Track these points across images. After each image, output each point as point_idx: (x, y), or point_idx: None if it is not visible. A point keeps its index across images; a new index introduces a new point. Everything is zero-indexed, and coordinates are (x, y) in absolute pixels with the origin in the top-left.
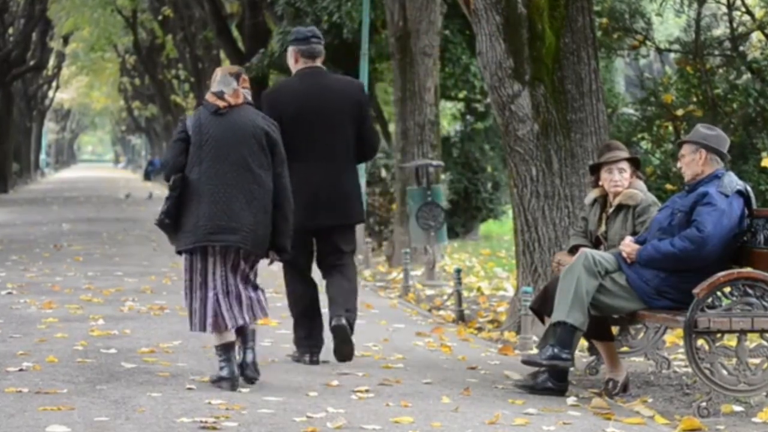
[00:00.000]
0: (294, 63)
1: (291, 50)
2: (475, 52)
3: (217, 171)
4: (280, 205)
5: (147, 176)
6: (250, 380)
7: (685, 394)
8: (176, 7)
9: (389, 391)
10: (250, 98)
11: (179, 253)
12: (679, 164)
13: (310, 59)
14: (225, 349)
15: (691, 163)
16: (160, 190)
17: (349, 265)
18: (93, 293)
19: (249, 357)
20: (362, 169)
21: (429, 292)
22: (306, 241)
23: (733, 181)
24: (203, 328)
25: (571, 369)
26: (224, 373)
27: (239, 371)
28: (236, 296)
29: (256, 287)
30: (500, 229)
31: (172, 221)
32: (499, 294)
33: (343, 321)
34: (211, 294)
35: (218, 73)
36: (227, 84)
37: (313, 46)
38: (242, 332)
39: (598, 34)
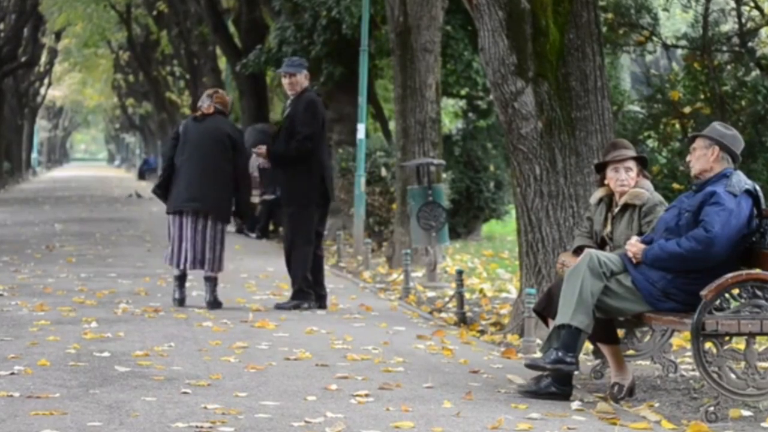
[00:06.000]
0: (308, 82)
1: (306, 73)
2: (478, 48)
3: (192, 160)
4: (239, 186)
5: (141, 175)
6: (214, 307)
7: (692, 398)
8: (171, 2)
9: (389, 395)
10: (221, 108)
11: (168, 213)
12: (688, 158)
13: (309, 81)
14: (178, 279)
15: (701, 158)
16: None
17: (323, 238)
18: (86, 295)
19: (213, 295)
20: (361, 167)
21: (430, 293)
22: (318, 212)
23: (741, 181)
24: (176, 265)
25: (576, 373)
26: (176, 294)
27: (208, 306)
28: (201, 250)
29: (217, 248)
30: (503, 229)
31: (162, 191)
32: (502, 296)
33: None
34: (184, 245)
35: (203, 93)
36: (204, 101)
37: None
38: (207, 280)
39: (604, 29)
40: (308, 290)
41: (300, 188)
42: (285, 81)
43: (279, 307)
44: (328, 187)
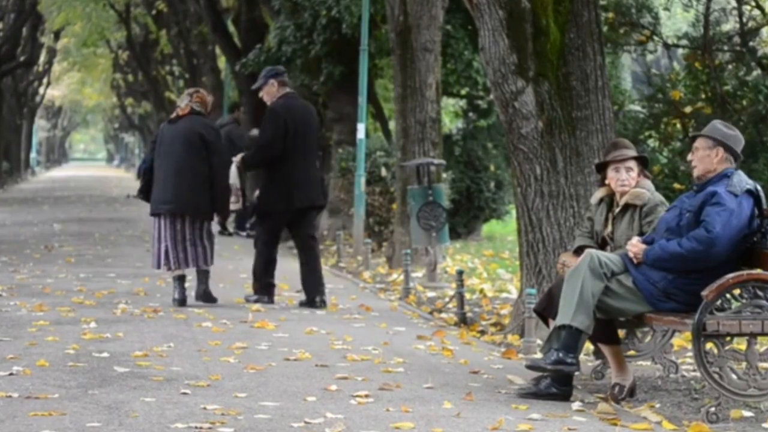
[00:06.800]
0: (276, 91)
1: (273, 81)
2: (478, 48)
3: (165, 162)
4: (215, 185)
5: (140, 175)
6: (208, 301)
7: (693, 399)
8: (170, 1)
9: (389, 395)
10: (198, 109)
11: (150, 215)
12: (690, 157)
13: (286, 87)
14: (177, 279)
15: (704, 159)
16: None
17: (317, 239)
18: (85, 295)
19: (202, 288)
20: (361, 167)
21: (430, 294)
22: (285, 220)
23: (742, 180)
24: (157, 267)
25: (576, 373)
26: (176, 294)
27: (195, 297)
28: (182, 249)
29: (198, 244)
30: (503, 229)
31: (144, 195)
32: (503, 296)
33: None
34: (162, 245)
35: (183, 93)
36: (183, 100)
37: (286, 78)
38: (198, 272)
39: (604, 29)
40: (268, 286)
41: (262, 195)
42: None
43: (246, 299)
44: (295, 195)
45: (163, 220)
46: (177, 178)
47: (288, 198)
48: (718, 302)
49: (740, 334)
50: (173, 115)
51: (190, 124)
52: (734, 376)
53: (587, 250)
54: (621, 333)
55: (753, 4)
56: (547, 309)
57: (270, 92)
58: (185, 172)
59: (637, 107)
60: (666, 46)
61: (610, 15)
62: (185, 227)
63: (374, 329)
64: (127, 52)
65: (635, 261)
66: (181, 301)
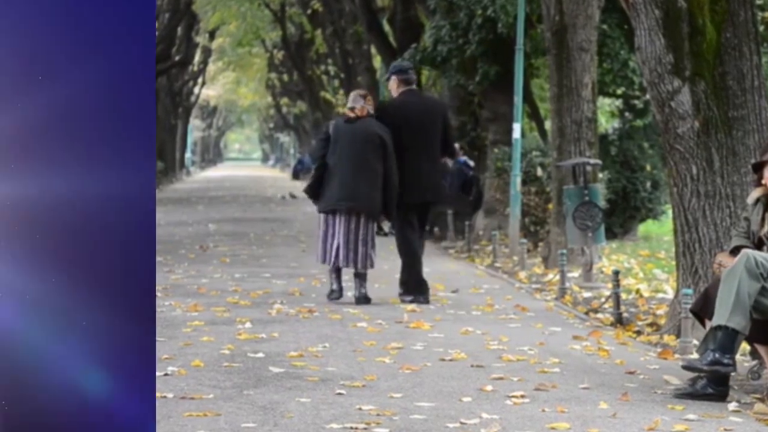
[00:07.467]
0: (396, 87)
1: (394, 78)
2: (634, 47)
3: (344, 160)
4: (387, 186)
5: (296, 175)
6: (363, 302)
7: None
8: (326, 0)
9: (545, 396)
10: (372, 112)
11: (320, 212)
12: None
13: (409, 85)
14: (336, 272)
15: None
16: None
17: (423, 237)
18: (240, 295)
19: (362, 291)
20: (517, 167)
21: (586, 294)
22: (414, 212)
23: None
24: (325, 261)
25: (733, 374)
26: (334, 287)
27: (356, 301)
28: (353, 248)
29: (369, 245)
30: (660, 229)
31: (313, 191)
32: (659, 296)
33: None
34: (335, 242)
35: (352, 94)
36: (357, 102)
37: (411, 75)
38: (357, 276)
39: (761, 28)
40: (421, 285)
41: None
42: None
43: (402, 299)
44: (406, 190)
45: (337, 217)
46: (357, 177)
47: (402, 192)
48: None
49: None
50: (352, 116)
51: (369, 125)
52: None
53: (744, 250)
54: None
55: None
56: (703, 309)
57: (391, 87)
58: (365, 171)
59: None
60: None
61: (767, 14)
62: (359, 226)
63: (530, 329)
64: (282, 51)
65: None
66: (340, 291)
